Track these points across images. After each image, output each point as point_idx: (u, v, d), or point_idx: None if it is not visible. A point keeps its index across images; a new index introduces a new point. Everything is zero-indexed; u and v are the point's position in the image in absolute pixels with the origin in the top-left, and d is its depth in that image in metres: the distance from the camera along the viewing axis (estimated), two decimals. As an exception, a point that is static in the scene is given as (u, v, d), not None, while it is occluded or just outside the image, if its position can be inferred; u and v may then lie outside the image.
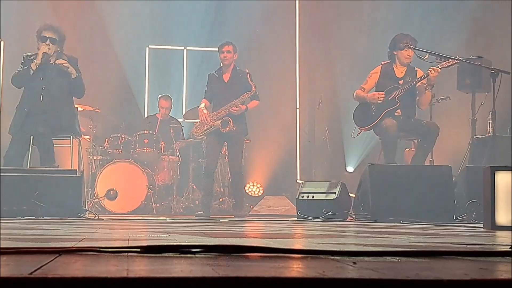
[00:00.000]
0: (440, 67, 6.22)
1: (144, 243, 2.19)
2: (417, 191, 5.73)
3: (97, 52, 9.25)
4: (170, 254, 1.73)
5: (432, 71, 6.22)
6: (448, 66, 6.30)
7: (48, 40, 6.13)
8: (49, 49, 6.09)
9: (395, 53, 6.55)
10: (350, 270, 1.41)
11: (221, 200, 8.49)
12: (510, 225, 3.92)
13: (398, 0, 9.46)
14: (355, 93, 6.72)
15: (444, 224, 5.05)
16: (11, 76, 6.23)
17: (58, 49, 6.21)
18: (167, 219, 5.90)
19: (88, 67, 6.47)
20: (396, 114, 6.47)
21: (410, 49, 6.42)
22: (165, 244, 1.85)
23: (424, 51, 6.39)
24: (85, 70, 6.42)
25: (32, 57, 6.14)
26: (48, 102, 6.07)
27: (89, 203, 7.36)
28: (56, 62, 6.11)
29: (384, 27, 9.01)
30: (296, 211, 6.38)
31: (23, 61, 6.20)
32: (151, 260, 1.61)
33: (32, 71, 6.06)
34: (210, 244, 1.83)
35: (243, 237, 2.97)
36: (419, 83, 6.39)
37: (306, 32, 10.22)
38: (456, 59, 6.30)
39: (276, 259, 1.67)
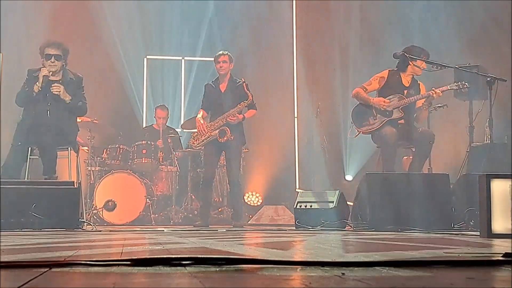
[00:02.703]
0: (441, 91, 6.34)
1: (137, 256, 2.20)
2: (415, 199, 5.71)
3: (95, 63, 9.27)
4: (161, 267, 1.73)
5: (434, 94, 6.31)
6: (448, 90, 6.42)
7: (53, 57, 6.17)
8: (55, 65, 6.13)
9: (410, 63, 6.49)
10: (336, 281, 1.41)
11: (219, 210, 8.48)
12: (507, 232, 3.92)
13: (395, 8, 9.51)
14: (355, 91, 6.66)
15: (441, 232, 5.05)
16: (17, 88, 6.26)
17: (64, 64, 6.25)
18: (165, 229, 5.88)
19: (86, 79, 6.48)
20: (397, 123, 6.49)
21: (424, 62, 6.45)
22: (156, 256, 1.85)
23: (415, 58, 6.41)
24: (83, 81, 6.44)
25: (37, 74, 6.16)
26: (54, 117, 6.12)
27: (87, 214, 7.35)
28: (51, 89, 6.11)
29: (381, 35, 9.05)
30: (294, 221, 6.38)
31: (27, 77, 6.23)
32: (141, 273, 1.62)
33: (35, 93, 6.09)
34: (200, 256, 1.83)
35: (240, 248, 2.97)
36: (421, 100, 6.45)
37: (303, 40, 10.25)
38: (449, 66, 6.34)
39: (266, 270, 1.67)
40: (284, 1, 10.30)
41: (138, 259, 1.80)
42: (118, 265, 1.75)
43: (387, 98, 6.52)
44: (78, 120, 6.87)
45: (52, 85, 6.13)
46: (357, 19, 9.73)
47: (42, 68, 6.13)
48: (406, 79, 6.60)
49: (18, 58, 8.19)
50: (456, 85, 6.43)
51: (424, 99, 6.46)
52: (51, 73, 6.13)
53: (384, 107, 6.45)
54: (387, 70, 6.67)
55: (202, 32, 10.05)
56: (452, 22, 9.05)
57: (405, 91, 6.54)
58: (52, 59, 6.17)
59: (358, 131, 6.64)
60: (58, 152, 6.22)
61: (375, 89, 6.65)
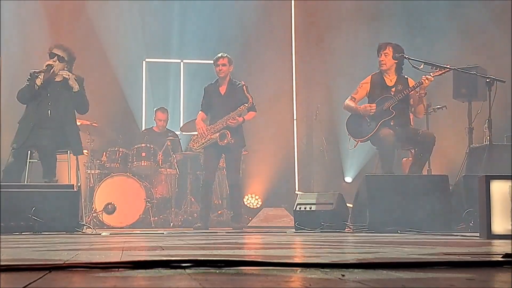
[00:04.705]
0: (433, 76, 6.24)
1: (137, 258, 2.20)
2: (414, 200, 5.71)
3: (94, 66, 9.26)
4: (161, 269, 1.73)
5: (426, 80, 6.23)
6: (440, 74, 6.30)
7: (56, 57, 6.19)
8: (54, 62, 6.13)
9: (379, 59, 6.54)
10: (336, 283, 1.41)
11: (219, 212, 8.48)
12: (506, 233, 3.92)
13: (394, 9, 9.52)
14: (345, 103, 6.70)
15: (441, 234, 5.05)
16: (16, 91, 6.27)
17: (66, 67, 6.23)
18: (164, 232, 5.89)
19: (85, 81, 6.48)
20: (391, 123, 6.48)
21: (385, 56, 6.43)
22: (156, 259, 1.85)
23: (412, 59, 6.38)
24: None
25: (38, 74, 6.16)
26: (55, 118, 6.10)
27: (87, 217, 7.36)
28: (61, 75, 6.14)
29: (380, 38, 9.04)
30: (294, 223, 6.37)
31: (29, 77, 6.22)
32: (141, 276, 1.62)
33: (37, 87, 6.09)
34: (200, 258, 1.83)
35: (240, 250, 2.97)
36: (412, 92, 6.39)
37: (302, 42, 10.25)
38: (448, 67, 6.32)
39: (266, 272, 1.67)
40: (283, 4, 10.31)
41: (138, 261, 1.80)
42: (118, 267, 1.75)
43: (375, 101, 6.51)
44: (78, 123, 6.88)
45: (61, 70, 6.13)
46: (357, 21, 9.73)
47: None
48: (389, 79, 6.58)
49: (17, 61, 8.20)
50: (439, 71, 6.35)
51: (416, 91, 6.38)
52: (54, 64, 6.12)
53: (371, 112, 6.43)
54: (370, 75, 6.68)
55: (201, 34, 10.06)
56: (452, 23, 9.05)
57: (392, 90, 6.52)
58: (55, 58, 6.19)
59: (356, 141, 6.63)
60: (57, 155, 6.22)
61: (363, 96, 6.66)
